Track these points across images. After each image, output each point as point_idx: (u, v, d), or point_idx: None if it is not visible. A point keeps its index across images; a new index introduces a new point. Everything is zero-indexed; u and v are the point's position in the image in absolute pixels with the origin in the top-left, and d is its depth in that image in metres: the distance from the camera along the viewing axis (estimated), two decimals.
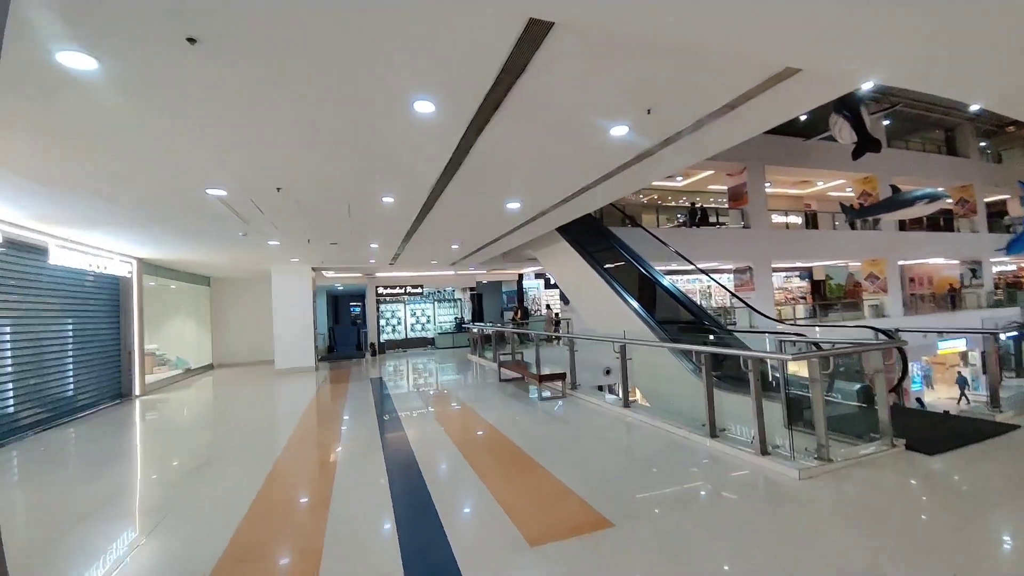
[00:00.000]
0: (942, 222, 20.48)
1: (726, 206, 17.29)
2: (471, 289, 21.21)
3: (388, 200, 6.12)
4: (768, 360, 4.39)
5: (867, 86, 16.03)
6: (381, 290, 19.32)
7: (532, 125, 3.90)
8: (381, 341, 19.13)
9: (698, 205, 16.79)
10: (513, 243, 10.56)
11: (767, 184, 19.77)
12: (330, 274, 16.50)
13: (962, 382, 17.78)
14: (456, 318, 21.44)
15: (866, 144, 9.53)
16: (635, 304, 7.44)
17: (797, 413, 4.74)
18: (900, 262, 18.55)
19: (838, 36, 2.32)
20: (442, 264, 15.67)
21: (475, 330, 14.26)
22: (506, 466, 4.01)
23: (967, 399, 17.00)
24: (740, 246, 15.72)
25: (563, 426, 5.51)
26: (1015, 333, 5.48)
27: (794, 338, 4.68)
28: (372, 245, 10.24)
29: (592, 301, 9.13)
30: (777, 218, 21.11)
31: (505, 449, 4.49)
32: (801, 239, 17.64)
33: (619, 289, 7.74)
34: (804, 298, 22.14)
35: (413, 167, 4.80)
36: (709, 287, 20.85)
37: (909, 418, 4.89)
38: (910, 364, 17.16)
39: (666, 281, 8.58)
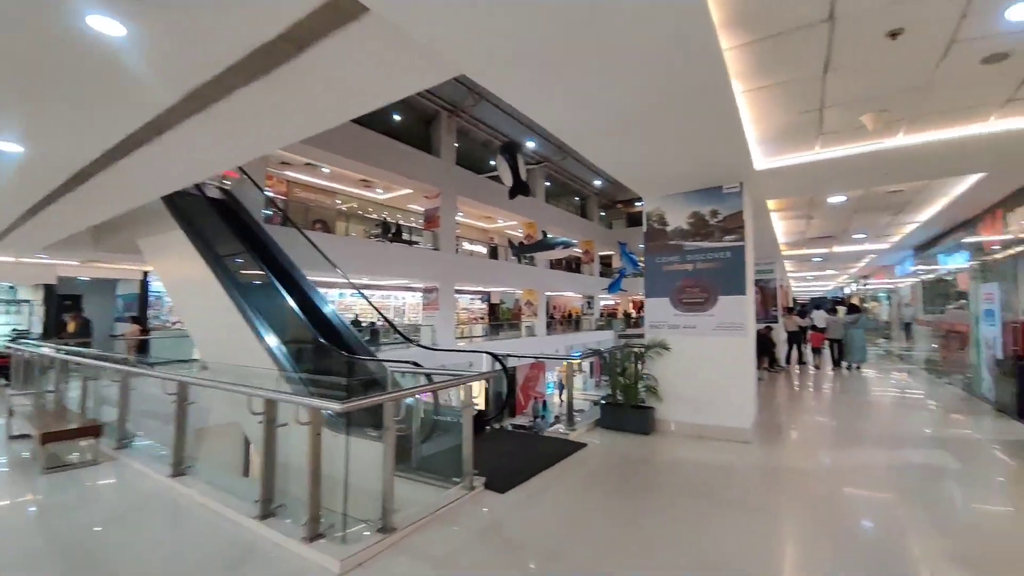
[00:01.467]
0: (574, 266, 26.66)
1: (421, 227, 17.66)
2: (50, 287, 13.94)
3: None
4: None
5: (530, 144, 18.67)
6: None
7: None
8: None
9: (393, 221, 16.65)
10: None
11: (460, 214, 21.67)
12: None
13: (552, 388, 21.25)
14: (16, 329, 13.51)
15: (518, 187, 11.04)
16: (259, 327, 5.88)
17: (403, 454, 4.26)
18: (547, 293, 22.96)
19: None
20: None
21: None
22: None
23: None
24: (429, 266, 16.08)
25: (62, 517, 3.47)
26: (579, 352, 6.73)
27: (405, 368, 4.26)
28: None
29: (205, 319, 7.04)
30: (470, 246, 23.32)
31: None
32: (481, 266, 19.62)
33: (245, 306, 6.09)
34: (483, 318, 24.96)
35: None
36: (404, 304, 20.87)
37: (504, 443, 5.07)
38: (548, 372, 21.65)
39: (322, 298, 7.40)
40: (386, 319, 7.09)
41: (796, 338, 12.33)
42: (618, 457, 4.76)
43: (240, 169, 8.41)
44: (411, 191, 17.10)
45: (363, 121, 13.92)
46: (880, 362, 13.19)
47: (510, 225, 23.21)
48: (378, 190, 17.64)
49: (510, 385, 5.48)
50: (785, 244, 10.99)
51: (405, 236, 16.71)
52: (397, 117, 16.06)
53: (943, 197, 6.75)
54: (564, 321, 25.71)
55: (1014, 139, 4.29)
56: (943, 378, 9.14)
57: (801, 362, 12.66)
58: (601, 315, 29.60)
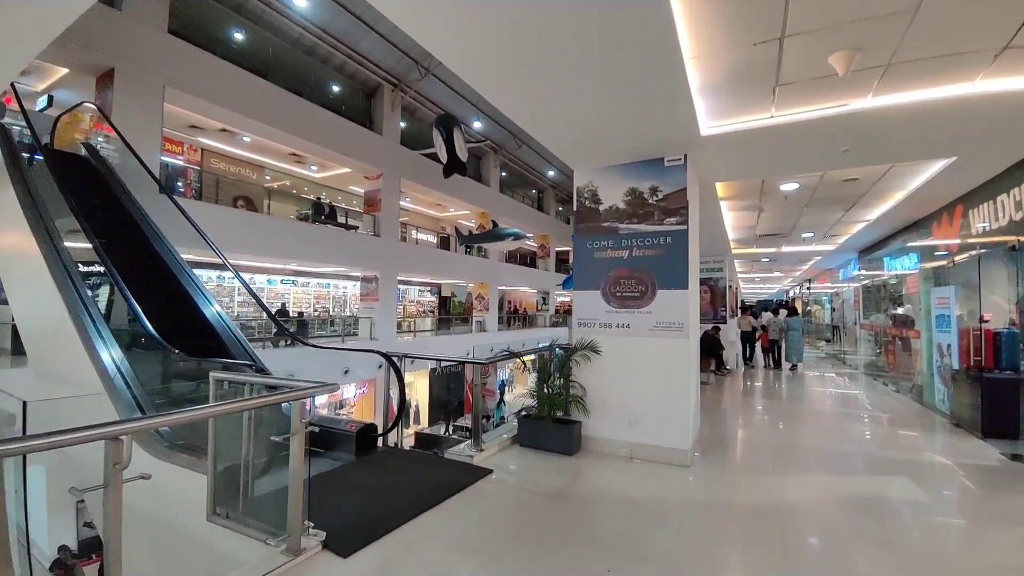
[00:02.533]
0: (529, 260, 25.74)
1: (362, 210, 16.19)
2: None
3: None
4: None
5: (477, 125, 17.48)
6: None
7: None
8: None
9: (326, 201, 15.11)
10: None
11: (406, 199, 20.22)
12: None
13: (501, 385, 20.48)
14: None
15: (453, 164, 9.86)
16: (89, 326, 4.41)
17: (231, 490, 3.08)
18: (500, 287, 21.93)
19: None
20: None
21: None
22: None
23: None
24: (368, 254, 14.66)
25: None
26: (491, 355, 5.69)
27: (231, 377, 3.04)
28: None
29: (30, 309, 5.48)
30: (419, 235, 21.92)
31: None
32: (428, 256, 18.31)
33: (76, 286, 4.63)
34: (433, 311, 23.65)
35: None
36: (345, 294, 19.27)
37: (387, 469, 3.97)
38: (499, 368, 20.24)
39: (200, 288, 5.96)
40: (265, 309, 5.66)
41: (749, 338, 12.13)
42: (527, 490, 3.74)
43: (12, 87, 6.59)
44: (349, 170, 15.56)
45: (294, 88, 12.37)
46: (822, 365, 12.96)
47: (463, 214, 21.97)
48: (312, 167, 16.01)
49: (401, 389, 4.36)
50: (735, 241, 10.39)
51: (341, 219, 15.22)
52: (335, 88, 14.53)
53: (900, 191, 6.15)
54: (515, 317, 24.81)
55: (997, 109, 3.55)
56: (889, 385, 8.75)
57: (748, 362, 12.30)
58: (556, 312, 28.92)
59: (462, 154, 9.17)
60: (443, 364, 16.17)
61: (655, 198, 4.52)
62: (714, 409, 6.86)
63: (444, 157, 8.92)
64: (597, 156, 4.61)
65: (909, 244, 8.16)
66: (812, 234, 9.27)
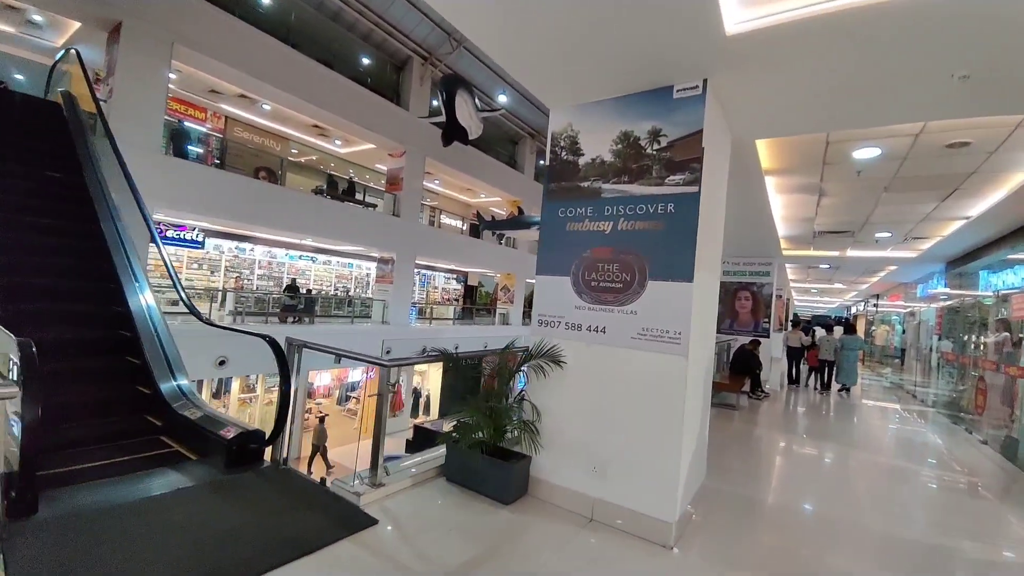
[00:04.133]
0: None
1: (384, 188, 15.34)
2: None
3: None
4: None
5: (502, 99, 16.00)
6: None
7: None
8: None
9: (346, 177, 14.34)
10: None
11: (436, 181, 19.25)
12: None
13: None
14: None
15: (453, 130, 8.61)
16: None
17: None
18: (527, 279, 20.58)
19: None
20: None
21: None
22: None
23: None
24: (385, 234, 13.79)
25: None
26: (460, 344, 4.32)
27: None
28: None
29: None
30: (448, 220, 20.95)
31: None
32: (450, 242, 17.24)
33: None
34: (458, 300, 22.69)
35: None
36: (368, 275, 18.56)
37: (242, 505, 2.79)
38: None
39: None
40: (177, 283, 4.30)
41: (796, 355, 10.41)
42: (410, 569, 2.43)
43: None
44: (374, 146, 14.69)
45: (318, 57, 11.58)
46: (884, 395, 10.71)
47: (494, 201, 20.73)
48: (336, 141, 15.28)
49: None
50: (787, 240, 8.49)
51: (360, 196, 14.39)
52: (363, 59, 13.66)
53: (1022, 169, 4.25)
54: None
55: None
56: (974, 433, 6.68)
57: (793, 383, 10.44)
58: None
59: (468, 122, 7.91)
60: (459, 352, 15.19)
61: (656, 146, 3.04)
62: (735, 447, 5.24)
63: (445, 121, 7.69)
64: (580, 84, 3.17)
65: (1017, 253, 6.07)
66: (890, 234, 7.26)
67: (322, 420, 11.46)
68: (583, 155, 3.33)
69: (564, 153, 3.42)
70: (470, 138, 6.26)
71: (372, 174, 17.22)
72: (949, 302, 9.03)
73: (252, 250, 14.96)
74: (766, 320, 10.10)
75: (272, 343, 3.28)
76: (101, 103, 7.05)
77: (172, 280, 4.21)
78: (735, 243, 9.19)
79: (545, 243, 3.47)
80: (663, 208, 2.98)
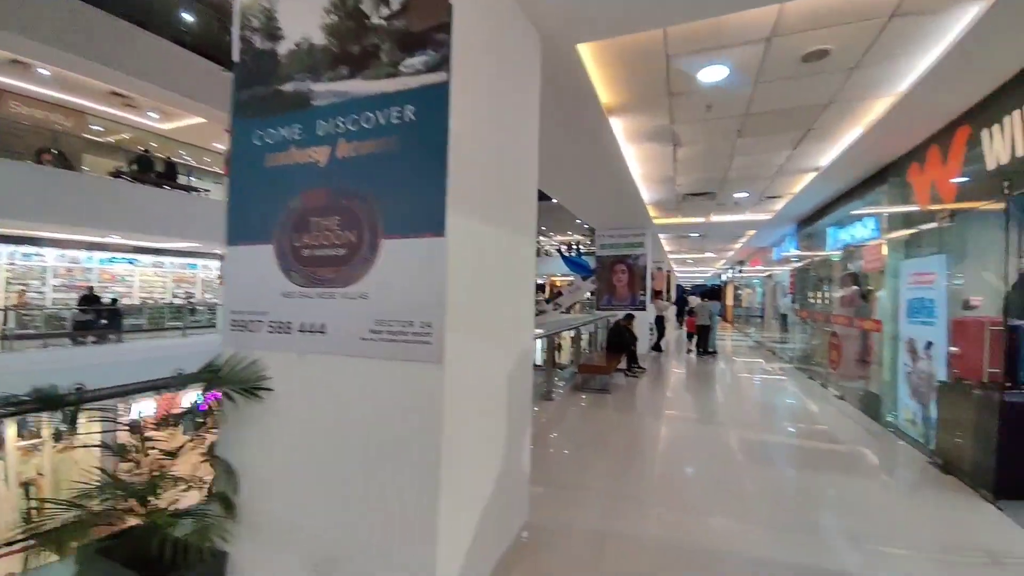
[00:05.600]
0: None
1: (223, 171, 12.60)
2: None
3: None
4: None
5: None
6: None
7: None
8: None
9: (164, 157, 11.44)
10: None
11: None
12: None
13: None
14: None
15: None
16: None
17: None
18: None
19: None
20: None
21: None
22: None
23: None
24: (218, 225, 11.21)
25: None
26: None
27: None
28: None
29: None
30: None
31: None
32: None
33: None
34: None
35: None
36: (219, 279, 15.42)
37: None
38: None
39: None
40: None
41: (659, 324, 10.61)
42: None
43: None
44: (205, 120, 11.92)
45: (131, 16, 8.75)
46: (751, 354, 11.05)
47: None
48: (150, 114, 12.18)
49: None
50: (654, 206, 7.98)
51: (182, 182, 11.56)
52: (187, 16, 10.83)
53: (885, 96, 3.75)
54: None
55: None
56: (830, 387, 6.66)
57: (657, 350, 10.65)
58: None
59: None
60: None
61: (385, 10, 1.77)
62: (595, 446, 4.34)
63: None
64: None
65: (866, 206, 5.97)
66: (747, 194, 6.95)
67: None
68: (284, 38, 1.95)
69: (257, 39, 2.01)
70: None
71: (212, 155, 14.22)
72: (799, 264, 9.30)
73: (41, 255, 11.52)
74: (642, 293, 9.72)
75: None
76: None
77: None
78: (604, 212, 8.54)
79: (236, 190, 2.05)
80: (399, 115, 1.72)
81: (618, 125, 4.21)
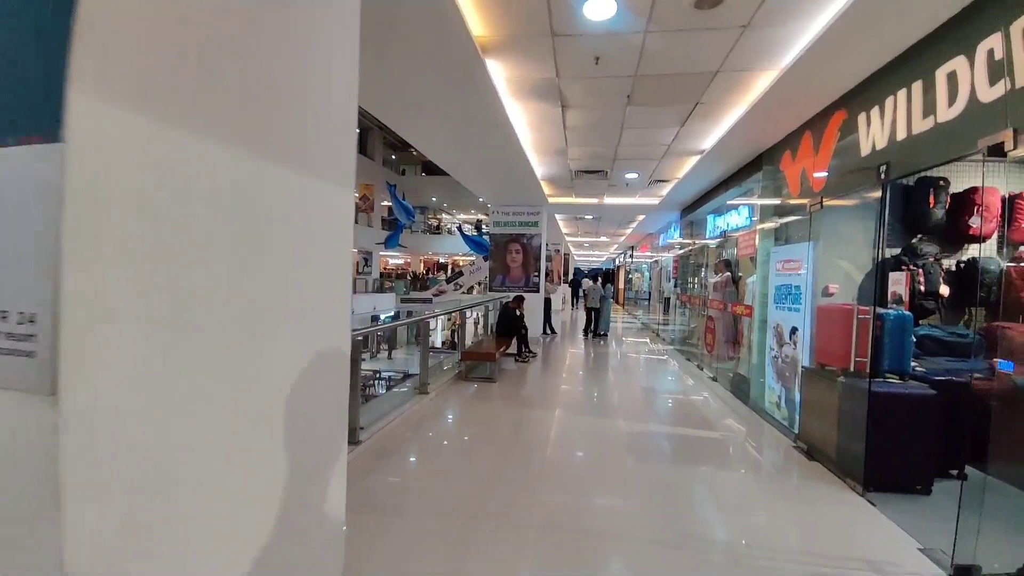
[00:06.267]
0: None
1: None
2: None
3: None
4: None
5: None
6: None
7: None
8: None
9: None
10: None
11: None
12: None
13: None
14: None
15: None
16: None
17: None
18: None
19: None
20: None
21: None
22: None
23: None
24: None
25: None
26: None
27: None
28: None
29: None
30: None
31: None
32: None
33: None
34: None
35: None
36: None
37: None
38: None
39: None
40: None
41: (546, 306, 10.42)
42: None
43: None
44: None
45: None
46: (638, 335, 11.49)
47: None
48: None
49: None
50: (548, 183, 7.59)
51: None
52: None
53: (770, 69, 3.59)
54: None
55: None
56: (705, 369, 6.92)
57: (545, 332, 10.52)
58: (383, 275, 24.68)
59: None
60: None
61: None
62: (459, 457, 3.79)
63: None
64: None
65: (742, 195, 6.13)
66: (636, 175, 6.83)
67: None
68: None
69: None
70: None
71: None
72: (682, 251, 9.69)
73: None
74: (536, 274, 9.42)
75: None
76: None
77: None
78: (496, 185, 7.96)
79: None
80: None
81: (499, 71, 3.55)
